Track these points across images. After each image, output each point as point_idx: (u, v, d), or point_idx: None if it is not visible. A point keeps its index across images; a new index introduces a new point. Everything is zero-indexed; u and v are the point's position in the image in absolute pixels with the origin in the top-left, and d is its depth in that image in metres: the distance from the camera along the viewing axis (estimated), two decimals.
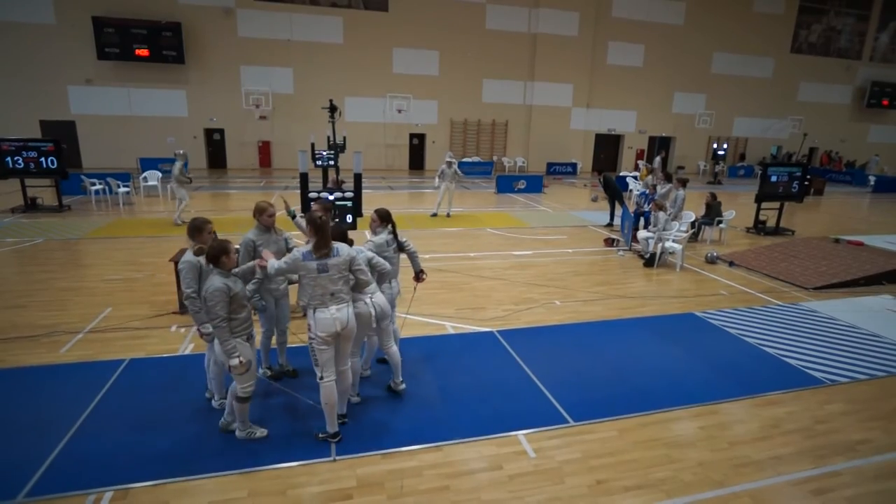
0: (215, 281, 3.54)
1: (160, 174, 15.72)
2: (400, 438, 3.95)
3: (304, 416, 4.20)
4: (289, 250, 4.49)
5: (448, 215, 12.79)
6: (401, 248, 4.68)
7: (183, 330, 5.80)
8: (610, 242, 10.68)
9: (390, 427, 4.10)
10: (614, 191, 12.21)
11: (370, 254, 4.18)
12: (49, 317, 6.03)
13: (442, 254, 9.44)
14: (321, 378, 3.75)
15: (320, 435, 3.88)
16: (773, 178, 11.96)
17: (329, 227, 3.72)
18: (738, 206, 14.11)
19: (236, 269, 3.86)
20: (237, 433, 3.86)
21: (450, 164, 12.31)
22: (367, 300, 4.01)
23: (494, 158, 25.39)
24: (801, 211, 15.96)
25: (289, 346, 5.02)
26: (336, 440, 3.85)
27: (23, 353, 5.13)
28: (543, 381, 4.89)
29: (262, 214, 4.48)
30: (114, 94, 20.69)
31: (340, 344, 3.82)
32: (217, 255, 3.58)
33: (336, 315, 3.67)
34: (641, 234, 9.68)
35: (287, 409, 4.33)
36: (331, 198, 5.78)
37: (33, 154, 11.92)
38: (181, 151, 11.44)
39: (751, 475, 3.70)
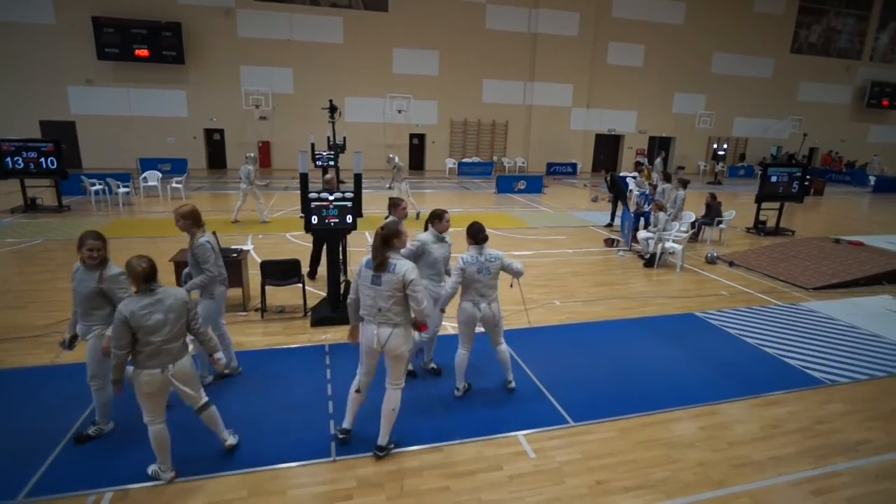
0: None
1: (160, 174, 15.73)
2: (400, 439, 3.94)
3: (305, 418, 4.19)
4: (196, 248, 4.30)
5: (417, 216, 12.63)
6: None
7: None
8: (610, 243, 10.68)
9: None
10: (619, 191, 12.17)
11: (459, 266, 4.20)
12: (49, 317, 6.03)
13: None
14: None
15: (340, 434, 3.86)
16: (773, 179, 11.97)
17: (381, 240, 3.45)
18: (738, 207, 14.10)
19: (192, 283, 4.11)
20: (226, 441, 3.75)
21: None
22: (485, 304, 4.31)
23: (494, 159, 25.39)
24: (801, 211, 15.96)
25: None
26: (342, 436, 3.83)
27: (23, 354, 5.13)
28: (543, 381, 4.89)
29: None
30: (113, 94, 20.69)
31: (386, 361, 3.65)
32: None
33: (376, 332, 3.52)
34: (641, 234, 9.68)
35: (286, 410, 4.33)
36: (330, 198, 5.77)
37: (33, 154, 11.92)
38: (251, 155, 12.00)
39: (751, 475, 3.70)
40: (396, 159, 12.66)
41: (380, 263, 3.46)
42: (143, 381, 3.23)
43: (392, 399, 3.70)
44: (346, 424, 3.87)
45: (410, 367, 4.79)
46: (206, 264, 4.29)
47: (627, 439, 4.07)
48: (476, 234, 4.28)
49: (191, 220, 4.29)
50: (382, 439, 3.74)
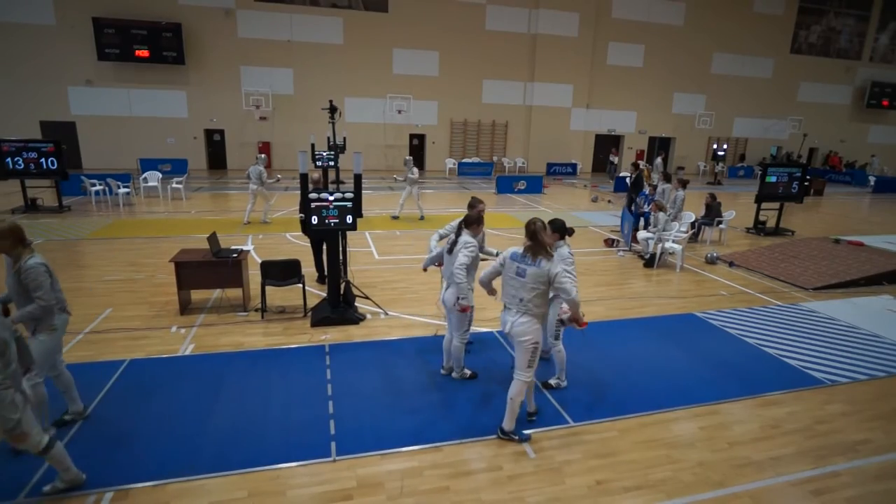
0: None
1: (160, 175, 15.74)
2: (400, 439, 3.95)
3: (305, 418, 4.20)
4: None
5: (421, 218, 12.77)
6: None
7: (183, 331, 5.81)
8: (610, 243, 10.68)
9: (390, 427, 4.10)
10: (638, 191, 12.05)
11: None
12: None
13: None
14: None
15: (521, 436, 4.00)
16: (773, 179, 11.96)
17: (543, 236, 3.76)
18: (738, 207, 14.10)
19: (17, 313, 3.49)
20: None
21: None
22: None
23: (494, 159, 25.39)
24: (800, 211, 15.96)
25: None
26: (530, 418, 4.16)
27: None
28: (543, 381, 4.88)
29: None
30: (114, 94, 20.69)
31: (515, 349, 3.88)
32: None
33: (511, 319, 3.79)
34: (641, 234, 9.68)
35: (280, 411, 4.33)
36: (330, 198, 5.78)
37: (33, 155, 11.92)
38: (262, 156, 12.10)
39: (751, 475, 3.70)
40: (412, 161, 12.75)
41: (532, 255, 3.72)
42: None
43: (512, 387, 3.90)
44: (529, 409, 4.25)
45: (468, 371, 4.90)
46: (39, 291, 3.52)
47: (627, 439, 4.07)
48: (565, 229, 4.42)
49: (10, 240, 3.50)
50: (505, 423, 3.98)
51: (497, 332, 5.98)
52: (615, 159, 24.38)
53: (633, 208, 10.93)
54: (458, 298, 4.43)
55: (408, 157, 12.84)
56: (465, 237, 4.50)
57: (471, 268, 4.45)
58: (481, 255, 5.20)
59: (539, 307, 3.75)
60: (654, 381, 5.00)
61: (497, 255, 4.81)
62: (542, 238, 3.75)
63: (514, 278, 3.77)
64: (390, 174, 22.89)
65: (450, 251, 4.61)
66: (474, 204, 5.11)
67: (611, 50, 25.56)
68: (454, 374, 4.91)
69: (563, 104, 25.44)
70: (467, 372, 4.91)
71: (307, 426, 4.07)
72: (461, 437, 3.99)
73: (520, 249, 3.83)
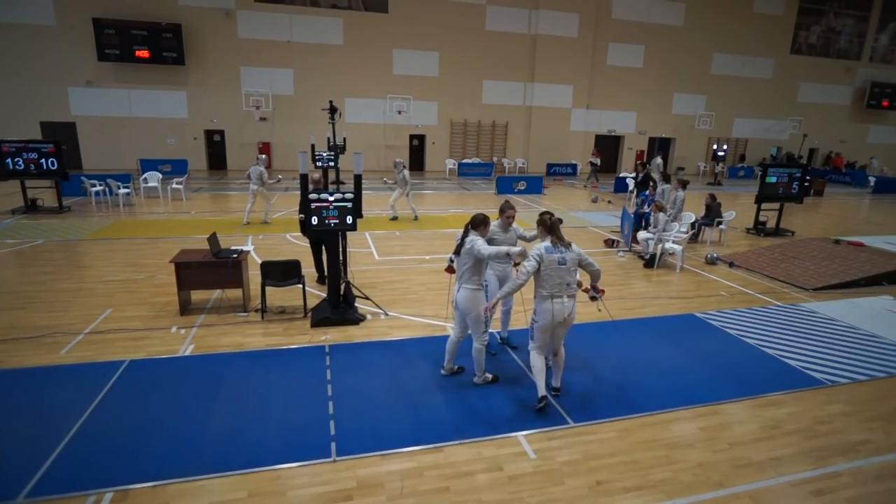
0: None
1: (160, 175, 15.75)
2: (400, 439, 3.95)
3: (305, 418, 4.20)
4: None
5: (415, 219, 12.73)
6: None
7: (183, 331, 5.81)
8: (610, 243, 10.69)
9: (390, 428, 4.10)
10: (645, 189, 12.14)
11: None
12: (49, 318, 6.03)
13: (442, 255, 9.43)
14: (533, 346, 4.38)
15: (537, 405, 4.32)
16: (773, 179, 11.97)
17: (559, 225, 4.27)
18: (738, 207, 14.11)
19: None
20: None
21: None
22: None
23: (494, 159, 25.40)
24: (800, 212, 15.96)
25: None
26: (541, 404, 4.29)
27: (23, 355, 5.13)
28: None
29: None
30: (114, 95, 20.70)
31: (557, 329, 4.31)
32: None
33: (566, 305, 4.19)
34: (641, 235, 9.68)
35: (281, 409, 4.33)
36: (330, 199, 5.78)
37: (34, 155, 11.93)
38: (262, 156, 12.21)
39: (751, 476, 3.70)
40: (403, 163, 12.73)
41: (561, 243, 4.22)
42: None
43: (564, 355, 4.60)
44: (543, 392, 4.33)
45: (489, 376, 4.85)
46: None
47: (627, 440, 4.07)
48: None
49: None
50: (557, 382, 4.67)
51: (497, 332, 5.98)
52: (597, 161, 23.90)
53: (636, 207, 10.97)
54: (508, 255, 4.37)
55: (398, 160, 12.80)
56: (472, 236, 4.54)
57: (483, 261, 4.48)
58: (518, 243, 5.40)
59: (576, 287, 4.26)
60: (654, 382, 5.00)
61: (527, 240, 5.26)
62: (559, 227, 4.25)
63: (557, 267, 4.15)
64: (390, 174, 22.89)
65: (457, 252, 4.62)
66: (504, 209, 5.28)
67: (611, 50, 25.57)
68: (475, 380, 4.81)
69: (563, 105, 25.45)
70: (489, 376, 4.84)
71: (307, 427, 4.07)
72: (461, 438, 3.99)
73: (548, 242, 4.23)
